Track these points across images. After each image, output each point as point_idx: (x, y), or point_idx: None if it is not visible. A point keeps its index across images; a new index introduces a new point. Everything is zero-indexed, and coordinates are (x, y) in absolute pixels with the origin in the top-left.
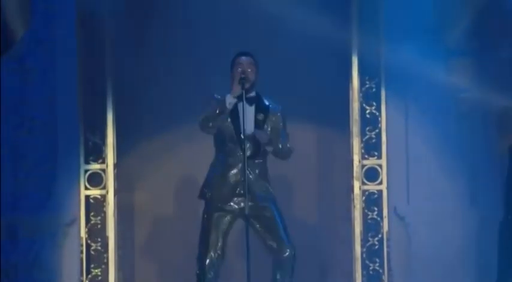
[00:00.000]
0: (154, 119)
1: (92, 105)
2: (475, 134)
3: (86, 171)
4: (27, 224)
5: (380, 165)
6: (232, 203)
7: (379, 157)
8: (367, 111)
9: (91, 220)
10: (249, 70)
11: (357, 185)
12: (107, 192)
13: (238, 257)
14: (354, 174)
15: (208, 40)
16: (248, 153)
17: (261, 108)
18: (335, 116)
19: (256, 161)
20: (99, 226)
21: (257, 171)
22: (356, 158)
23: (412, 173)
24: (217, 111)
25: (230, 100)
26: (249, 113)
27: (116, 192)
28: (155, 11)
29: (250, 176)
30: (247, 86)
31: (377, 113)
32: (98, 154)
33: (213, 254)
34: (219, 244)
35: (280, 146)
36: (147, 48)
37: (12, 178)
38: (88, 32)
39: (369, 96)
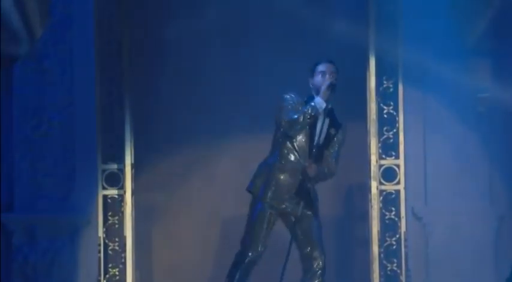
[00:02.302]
0: (171, 119)
1: (109, 106)
2: (494, 134)
3: (104, 171)
4: (46, 224)
5: (397, 165)
6: (285, 205)
7: (397, 157)
8: (385, 111)
9: (109, 220)
10: (331, 77)
11: (374, 185)
12: (125, 192)
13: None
14: (372, 174)
15: (227, 41)
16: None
17: (334, 123)
18: (352, 116)
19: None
20: (116, 226)
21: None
22: (373, 158)
23: (430, 173)
24: (310, 116)
25: (323, 105)
26: (324, 125)
27: (134, 192)
28: (172, 11)
29: (308, 185)
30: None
31: (394, 113)
32: (115, 154)
33: (258, 249)
34: (265, 240)
35: (327, 170)
36: (164, 49)
37: (30, 179)
38: (105, 33)
39: (387, 96)
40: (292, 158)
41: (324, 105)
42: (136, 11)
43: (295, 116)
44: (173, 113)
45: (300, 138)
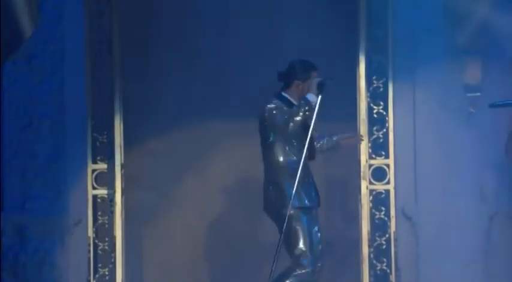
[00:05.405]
0: (162, 119)
1: (99, 105)
2: (484, 133)
3: (94, 170)
4: (36, 223)
5: (387, 165)
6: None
7: (387, 157)
8: (375, 111)
9: (98, 220)
10: None
11: (364, 184)
12: (115, 192)
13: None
14: (361, 174)
15: (215, 38)
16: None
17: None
18: (342, 116)
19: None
20: (106, 226)
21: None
22: (363, 157)
23: (420, 172)
24: (304, 111)
25: (315, 100)
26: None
27: (124, 192)
28: (163, 9)
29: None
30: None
31: (384, 113)
32: (105, 154)
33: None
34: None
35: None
36: (154, 47)
37: (20, 178)
38: (96, 31)
39: (376, 96)
40: (299, 154)
41: (317, 99)
42: (127, 9)
43: (297, 118)
44: (163, 113)
45: (304, 134)
